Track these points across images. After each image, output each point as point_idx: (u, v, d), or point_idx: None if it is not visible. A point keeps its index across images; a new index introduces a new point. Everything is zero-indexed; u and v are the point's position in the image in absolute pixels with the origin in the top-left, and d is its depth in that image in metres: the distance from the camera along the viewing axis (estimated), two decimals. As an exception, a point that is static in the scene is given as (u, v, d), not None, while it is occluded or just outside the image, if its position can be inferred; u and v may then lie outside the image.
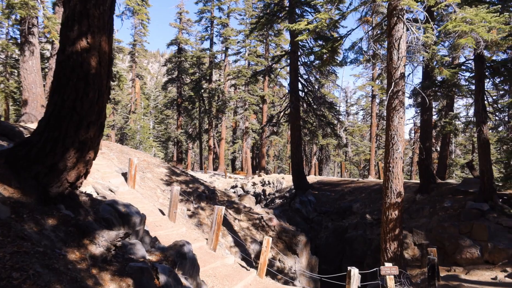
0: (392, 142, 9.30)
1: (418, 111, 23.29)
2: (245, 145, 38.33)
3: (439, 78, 17.63)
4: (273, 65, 24.52)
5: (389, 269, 8.37)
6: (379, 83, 42.35)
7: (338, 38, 10.44)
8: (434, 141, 26.62)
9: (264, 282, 8.60)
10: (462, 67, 13.76)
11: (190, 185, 15.03)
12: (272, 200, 23.11)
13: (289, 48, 21.79)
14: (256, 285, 8.32)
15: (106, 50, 4.40)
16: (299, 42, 21.01)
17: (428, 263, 9.30)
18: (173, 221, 10.56)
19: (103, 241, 3.88)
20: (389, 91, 9.25)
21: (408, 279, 9.31)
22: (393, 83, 9.17)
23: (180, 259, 5.34)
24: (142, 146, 33.67)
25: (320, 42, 19.70)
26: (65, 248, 3.60)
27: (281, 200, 22.38)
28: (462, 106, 42.62)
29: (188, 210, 13.39)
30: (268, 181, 26.20)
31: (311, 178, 25.40)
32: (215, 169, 41.01)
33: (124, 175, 12.64)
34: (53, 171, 4.20)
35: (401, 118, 9.27)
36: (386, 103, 9.42)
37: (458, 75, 13.46)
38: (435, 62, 11.10)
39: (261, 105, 39.12)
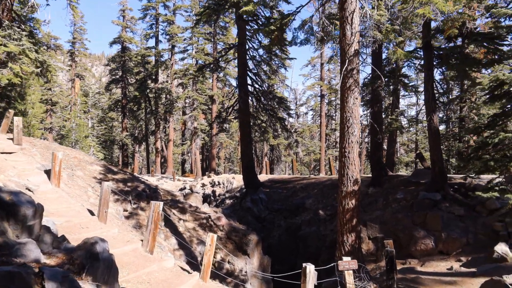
0: (347, 125, 8.56)
1: (365, 110, 23.32)
2: (194, 146, 36.72)
3: (388, 69, 17.53)
4: (221, 58, 23.41)
5: (347, 264, 7.56)
6: (327, 83, 42.65)
7: (287, 15, 9.63)
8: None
9: (208, 286, 7.44)
10: (412, 54, 13.57)
11: (129, 184, 13.49)
12: (223, 201, 21.91)
13: (237, 42, 20.82)
14: (199, 290, 7.15)
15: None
16: (247, 33, 20.10)
17: (386, 255, 8.60)
18: (104, 222, 9.09)
19: None
20: (343, 70, 8.50)
21: (368, 273, 8.58)
22: (347, 61, 8.44)
23: (90, 261, 4.08)
24: (79, 146, 30.94)
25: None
26: None
27: (231, 200, 21.25)
28: (406, 106, 44.26)
29: (125, 210, 11.90)
30: (218, 182, 24.94)
31: (263, 177, 24.52)
32: (164, 172, 38.98)
33: (48, 172, 10.89)
34: None
35: (356, 98, 8.56)
36: (340, 83, 8.67)
37: (409, 61, 13.23)
38: (389, 44, 10.64)
39: (210, 105, 37.75)
